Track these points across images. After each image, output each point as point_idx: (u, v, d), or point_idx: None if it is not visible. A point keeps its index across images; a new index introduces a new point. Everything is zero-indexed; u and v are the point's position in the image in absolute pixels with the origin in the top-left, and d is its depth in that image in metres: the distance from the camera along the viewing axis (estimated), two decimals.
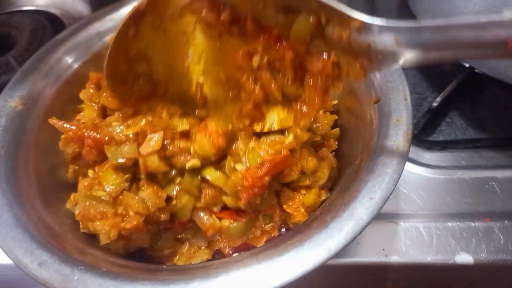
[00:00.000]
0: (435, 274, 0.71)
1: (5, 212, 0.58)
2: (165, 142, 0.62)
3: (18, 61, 0.97)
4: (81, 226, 0.61)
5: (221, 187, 0.62)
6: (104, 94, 0.71)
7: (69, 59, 0.79)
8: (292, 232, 0.58)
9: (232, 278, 0.50)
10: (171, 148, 0.62)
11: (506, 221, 0.73)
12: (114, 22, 0.84)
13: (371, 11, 1.07)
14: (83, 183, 0.66)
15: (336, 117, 0.77)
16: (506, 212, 0.74)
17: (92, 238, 0.62)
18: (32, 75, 0.75)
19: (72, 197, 0.66)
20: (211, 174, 0.62)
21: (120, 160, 0.62)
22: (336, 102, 0.78)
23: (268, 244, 0.58)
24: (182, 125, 0.64)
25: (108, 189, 0.62)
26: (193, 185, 0.63)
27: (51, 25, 1.10)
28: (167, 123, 0.63)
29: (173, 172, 0.64)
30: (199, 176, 0.64)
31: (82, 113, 0.73)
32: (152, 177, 0.64)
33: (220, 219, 0.66)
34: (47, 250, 0.54)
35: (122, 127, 0.63)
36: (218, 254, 0.69)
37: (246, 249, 0.67)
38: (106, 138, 0.63)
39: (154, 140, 0.60)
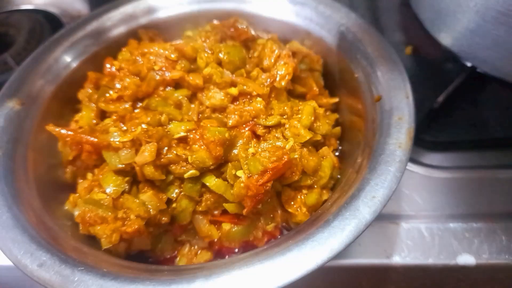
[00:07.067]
0: (437, 275, 0.71)
1: (4, 213, 0.57)
2: (164, 150, 0.62)
3: (16, 60, 0.97)
4: (81, 228, 0.61)
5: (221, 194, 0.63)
6: (102, 99, 0.71)
7: (67, 58, 0.79)
8: (294, 232, 0.58)
9: (234, 278, 0.50)
10: (168, 156, 0.62)
11: (508, 222, 0.73)
12: (112, 21, 0.84)
13: (372, 10, 1.07)
14: (82, 185, 0.66)
15: (337, 116, 0.77)
16: (508, 213, 0.74)
17: (92, 238, 0.62)
18: (30, 75, 0.74)
19: (71, 198, 0.66)
20: (210, 182, 0.62)
21: (119, 166, 0.62)
22: (337, 100, 0.77)
23: (270, 244, 0.57)
24: (179, 132, 0.64)
25: (108, 191, 0.61)
26: (194, 191, 0.63)
27: (49, 24, 1.09)
28: (162, 132, 0.63)
29: (171, 177, 0.64)
30: (199, 182, 0.63)
31: (80, 114, 0.73)
32: (152, 181, 0.64)
33: (221, 222, 0.66)
34: (47, 250, 0.53)
35: (118, 133, 0.63)
36: (219, 255, 0.68)
37: (248, 248, 0.66)
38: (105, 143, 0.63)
39: (148, 151, 0.60)
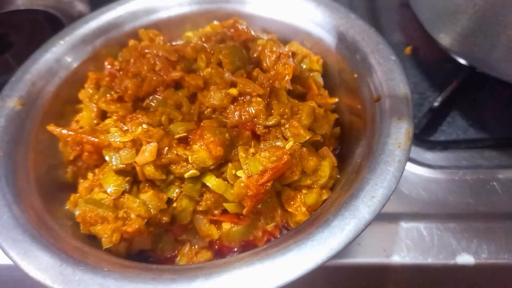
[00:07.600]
0: (436, 275, 0.71)
1: (5, 213, 0.57)
2: (164, 150, 0.62)
3: (17, 61, 0.97)
4: (81, 228, 0.61)
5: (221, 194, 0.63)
6: (103, 99, 0.71)
7: (68, 59, 0.79)
8: (293, 231, 0.58)
9: (234, 277, 0.50)
10: (168, 156, 0.62)
11: (507, 222, 0.73)
12: (113, 21, 0.84)
13: (372, 11, 1.07)
14: (83, 185, 0.66)
15: (337, 116, 0.77)
16: (507, 213, 0.74)
17: (93, 238, 0.62)
18: (30, 75, 0.75)
19: (72, 197, 0.66)
20: (211, 182, 0.63)
21: (120, 166, 0.62)
22: (336, 100, 0.77)
23: (270, 243, 0.57)
24: (179, 132, 0.64)
25: (109, 190, 0.61)
26: (194, 190, 0.63)
27: (50, 25, 1.10)
28: (163, 132, 0.63)
29: (172, 177, 0.64)
30: (199, 181, 0.64)
31: (80, 114, 0.73)
32: (152, 181, 0.64)
33: (221, 222, 0.66)
34: (47, 250, 0.53)
35: (119, 133, 0.63)
36: (219, 255, 0.68)
37: (248, 248, 0.67)
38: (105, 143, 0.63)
39: (148, 151, 0.60)
